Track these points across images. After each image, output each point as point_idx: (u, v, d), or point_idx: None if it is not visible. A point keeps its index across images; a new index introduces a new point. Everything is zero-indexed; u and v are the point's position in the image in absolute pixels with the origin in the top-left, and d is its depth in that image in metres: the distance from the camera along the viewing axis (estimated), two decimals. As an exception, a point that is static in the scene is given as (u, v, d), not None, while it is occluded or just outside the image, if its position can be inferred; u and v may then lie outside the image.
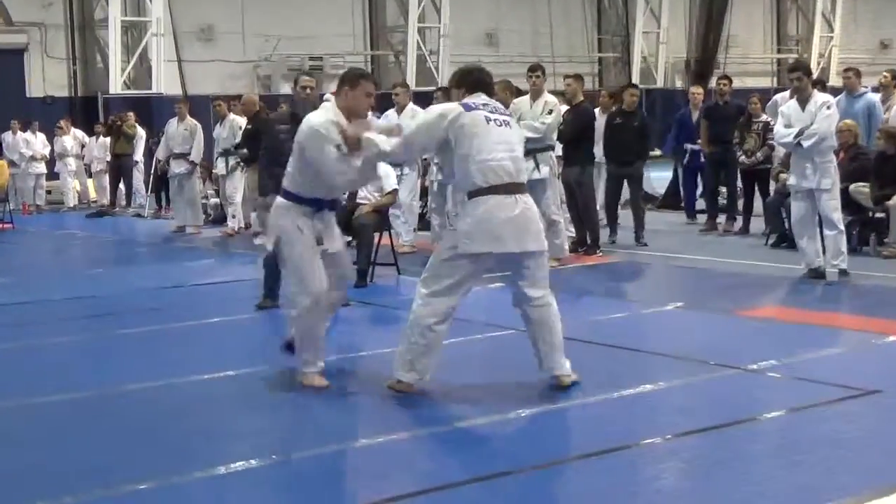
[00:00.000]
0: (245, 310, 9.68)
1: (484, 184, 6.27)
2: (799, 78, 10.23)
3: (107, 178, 21.50)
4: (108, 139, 21.19)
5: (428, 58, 29.05)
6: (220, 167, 16.52)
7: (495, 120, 6.39)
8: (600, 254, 12.40)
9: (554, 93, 12.56)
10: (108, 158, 21.20)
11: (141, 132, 20.96)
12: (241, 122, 15.60)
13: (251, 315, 9.57)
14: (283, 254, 6.78)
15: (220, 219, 17.26)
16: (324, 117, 6.60)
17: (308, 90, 9.64)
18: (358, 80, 6.75)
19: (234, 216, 16.18)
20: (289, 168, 6.80)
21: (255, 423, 6.25)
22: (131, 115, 20.96)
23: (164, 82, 25.25)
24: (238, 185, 15.95)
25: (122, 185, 21.16)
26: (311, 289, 6.64)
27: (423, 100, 15.38)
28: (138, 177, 21.16)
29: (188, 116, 16.93)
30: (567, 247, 12.13)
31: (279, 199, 6.83)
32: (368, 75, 7.12)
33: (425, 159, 13.93)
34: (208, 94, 23.65)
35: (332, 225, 6.90)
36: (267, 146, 9.82)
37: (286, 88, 27.44)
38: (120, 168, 20.80)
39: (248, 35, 27.10)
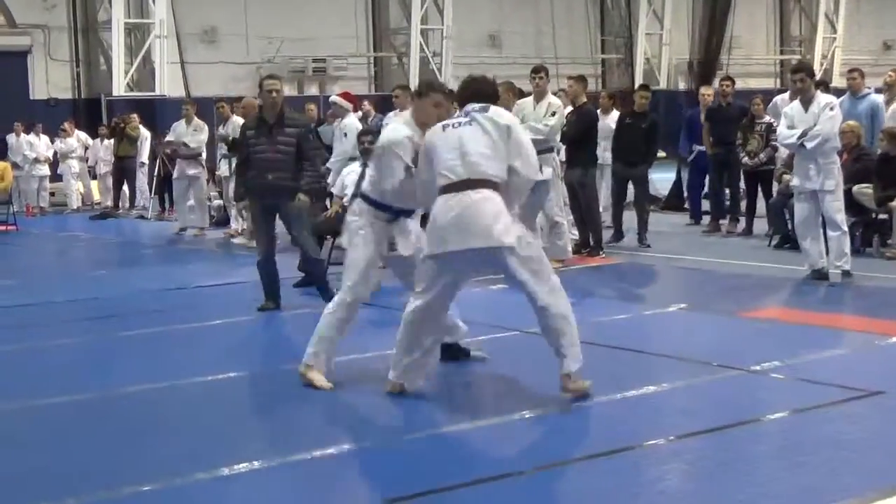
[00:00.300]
0: (247, 312, 9.68)
1: (438, 189, 6.34)
2: (802, 79, 10.22)
3: (111, 179, 21.51)
4: (111, 141, 21.22)
5: (431, 59, 29.05)
6: (223, 169, 16.51)
7: (452, 125, 6.39)
8: (603, 255, 12.39)
9: (557, 94, 12.57)
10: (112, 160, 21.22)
11: (145, 133, 20.98)
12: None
13: (253, 317, 9.58)
14: (348, 251, 6.89)
15: (223, 220, 17.27)
16: (402, 134, 6.60)
17: (274, 94, 9.58)
18: (427, 91, 6.73)
19: (237, 218, 16.17)
20: (370, 172, 6.87)
21: (258, 425, 6.26)
22: (135, 116, 20.98)
23: (168, 84, 25.27)
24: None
25: (125, 188, 21.18)
26: (356, 292, 6.78)
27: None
28: (142, 179, 21.17)
29: (195, 118, 16.95)
30: (570, 248, 12.13)
31: (358, 201, 6.91)
32: (438, 86, 7.05)
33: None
34: (211, 95, 23.65)
35: (408, 231, 6.90)
36: (239, 150, 9.84)
37: (289, 90, 27.46)
38: (123, 170, 20.82)
39: (252, 37, 27.11)
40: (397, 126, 6.75)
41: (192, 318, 9.69)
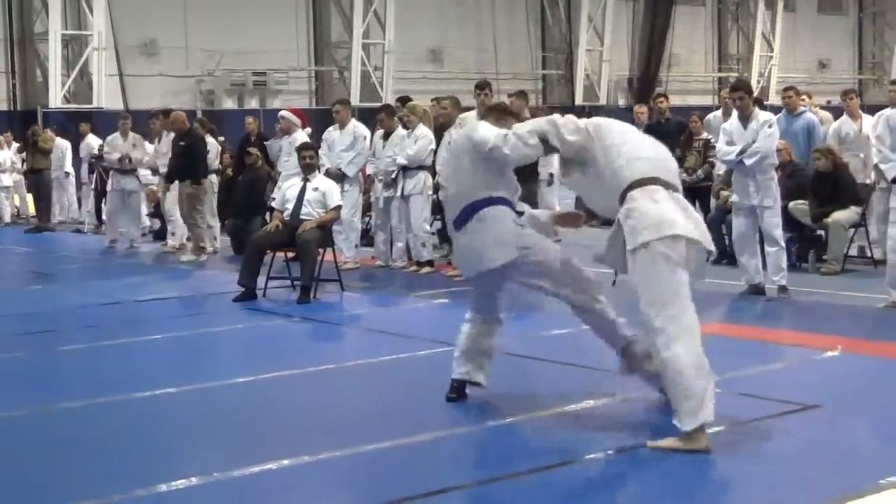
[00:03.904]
0: (186, 326, 9.60)
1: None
2: (741, 97, 10.35)
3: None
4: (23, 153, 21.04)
5: (372, 74, 29.05)
6: (158, 183, 16.38)
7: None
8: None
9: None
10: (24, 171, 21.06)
11: (63, 144, 20.73)
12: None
13: (193, 332, 9.50)
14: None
15: (159, 234, 17.15)
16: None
17: None
18: (505, 117, 6.74)
19: (173, 233, 16.05)
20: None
21: (197, 441, 6.19)
22: (48, 130, 20.81)
23: (106, 97, 25.03)
24: (176, 201, 15.80)
25: (57, 201, 20.96)
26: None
27: (368, 117, 15.39)
28: (71, 191, 20.98)
29: (131, 132, 16.81)
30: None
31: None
32: (515, 114, 7.10)
33: (369, 176, 13.92)
34: (151, 108, 23.47)
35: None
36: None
37: (230, 104, 27.35)
38: (38, 183, 20.56)
39: (192, 50, 26.95)
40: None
41: (129, 333, 9.56)
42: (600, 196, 6.14)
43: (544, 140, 6.15)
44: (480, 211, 6.34)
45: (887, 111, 10.54)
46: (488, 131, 6.36)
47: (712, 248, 6.02)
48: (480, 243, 6.33)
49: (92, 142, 20.14)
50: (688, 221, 5.72)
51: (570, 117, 6.22)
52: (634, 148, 6.00)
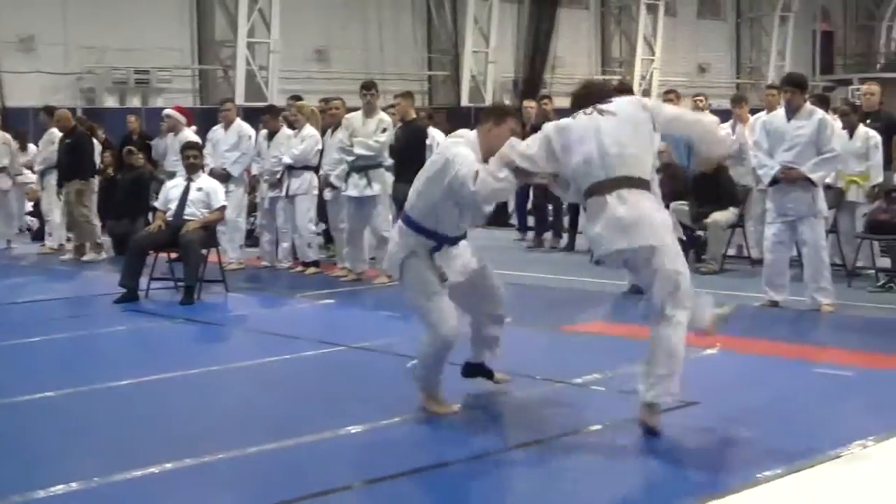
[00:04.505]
0: (66, 328, 9.41)
1: None
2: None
3: None
4: None
5: (257, 73, 28.78)
6: (37, 183, 16.04)
7: None
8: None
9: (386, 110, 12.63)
10: None
11: None
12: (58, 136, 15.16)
13: (73, 334, 9.32)
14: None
15: (37, 235, 16.80)
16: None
17: None
18: (504, 117, 6.22)
19: (50, 233, 15.73)
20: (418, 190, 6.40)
21: (77, 446, 6.07)
22: None
23: (-19, 93, 24.38)
24: (53, 202, 15.48)
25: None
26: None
27: (253, 116, 15.26)
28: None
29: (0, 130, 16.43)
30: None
31: (400, 225, 6.45)
32: (515, 112, 6.61)
33: (254, 176, 13.81)
34: (28, 106, 22.93)
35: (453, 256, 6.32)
36: None
37: (111, 101, 26.83)
38: None
39: (71, 46, 26.34)
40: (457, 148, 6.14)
41: (8, 335, 9.33)
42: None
43: (513, 167, 5.93)
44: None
45: (764, 115, 10.84)
46: (465, 166, 5.96)
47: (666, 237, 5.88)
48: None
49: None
50: (618, 235, 5.72)
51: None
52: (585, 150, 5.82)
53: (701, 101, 14.20)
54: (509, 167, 5.94)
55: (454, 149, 6.10)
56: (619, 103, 5.89)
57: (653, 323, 5.88)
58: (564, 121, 6.03)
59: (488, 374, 6.80)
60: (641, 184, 5.81)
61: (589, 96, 6.07)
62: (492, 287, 6.58)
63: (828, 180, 9.80)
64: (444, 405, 6.35)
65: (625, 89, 10.74)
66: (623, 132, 5.78)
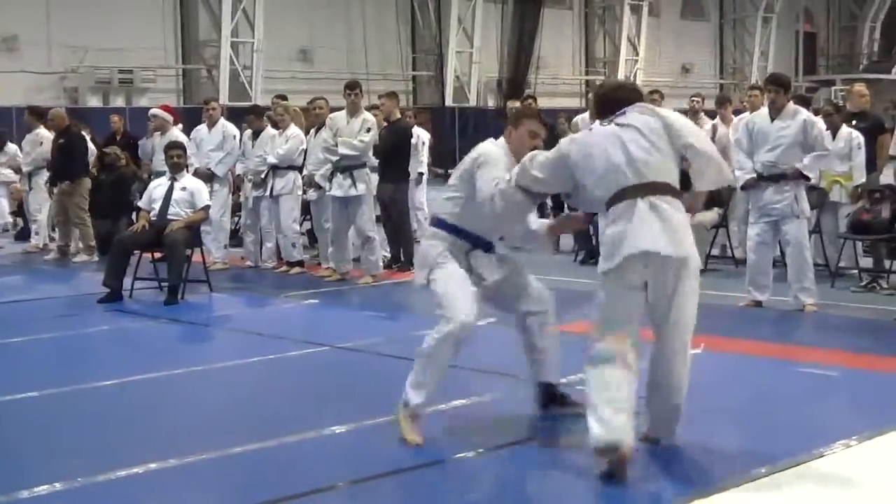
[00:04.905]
0: (49, 328, 9.38)
1: None
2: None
3: None
4: None
5: (241, 73, 28.77)
6: (23, 182, 15.98)
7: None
8: (414, 270, 12.45)
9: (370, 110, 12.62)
10: None
11: None
12: (46, 136, 15.10)
13: (56, 334, 9.29)
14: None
15: (21, 235, 16.74)
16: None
17: None
18: (520, 119, 6.07)
19: (37, 233, 15.68)
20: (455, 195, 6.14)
21: (61, 446, 6.05)
22: None
23: (-36, 93, 24.31)
24: (42, 202, 15.45)
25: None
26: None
27: (237, 117, 15.25)
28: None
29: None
30: (381, 263, 12.18)
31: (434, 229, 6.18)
32: (533, 113, 6.33)
33: (238, 175, 13.79)
34: (12, 105, 22.87)
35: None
36: None
37: (95, 101, 26.77)
38: None
39: (55, 46, 26.30)
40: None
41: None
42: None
43: (525, 189, 5.70)
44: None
45: (747, 115, 10.87)
46: (487, 177, 5.80)
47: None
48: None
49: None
50: (648, 235, 5.29)
51: (543, 152, 5.75)
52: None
53: (698, 101, 14.21)
54: (524, 188, 5.69)
55: (483, 146, 5.98)
56: (631, 116, 5.54)
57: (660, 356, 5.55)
58: (582, 133, 5.84)
59: (560, 398, 6.32)
60: (671, 191, 5.40)
61: (609, 104, 5.72)
62: (527, 283, 6.32)
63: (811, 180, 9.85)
64: (413, 431, 5.77)
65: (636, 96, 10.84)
66: (646, 140, 5.43)
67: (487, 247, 6.09)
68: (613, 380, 5.24)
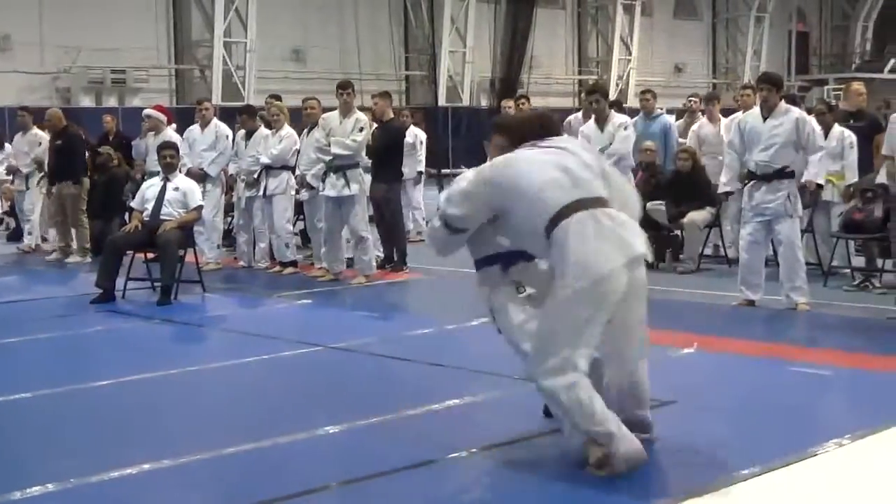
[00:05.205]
0: (42, 329, 9.37)
1: None
2: (598, 100, 10.59)
3: None
4: None
5: (234, 73, 28.74)
6: (17, 182, 15.95)
7: None
8: (407, 270, 12.47)
9: (362, 109, 12.62)
10: None
11: None
12: (44, 137, 15.06)
13: (50, 335, 9.28)
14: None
15: (13, 235, 16.72)
16: None
17: None
18: (492, 134, 5.77)
19: (30, 233, 15.65)
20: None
21: (54, 447, 6.05)
22: None
23: (-44, 93, 24.26)
24: (35, 202, 15.43)
25: None
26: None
27: (229, 116, 15.24)
28: None
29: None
30: (374, 263, 12.17)
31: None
32: (502, 126, 5.85)
33: (231, 175, 13.78)
34: (4, 105, 22.83)
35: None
36: None
37: (87, 101, 26.73)
38: None
39: (47, 46, 26.25)
40: None
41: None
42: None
43: (448, 225, 5.55)
44: None
45: (740, 115, 10.88)
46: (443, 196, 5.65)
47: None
48: None
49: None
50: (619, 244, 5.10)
51: (464, 177, 5.59)
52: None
53: (695, 101, 14.26)
54: (445, 223, 5.55)
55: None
56: (556, 140, 5.42)
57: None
58: (505, 155, 5.44)
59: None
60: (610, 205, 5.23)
61: (528, 135, 5.48)
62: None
63: (802, 180, 9.86)
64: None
65: (598, 90, 10.86)
66: (581, 159, 5.30)
67: (517, 258, 5.73)
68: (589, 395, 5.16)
